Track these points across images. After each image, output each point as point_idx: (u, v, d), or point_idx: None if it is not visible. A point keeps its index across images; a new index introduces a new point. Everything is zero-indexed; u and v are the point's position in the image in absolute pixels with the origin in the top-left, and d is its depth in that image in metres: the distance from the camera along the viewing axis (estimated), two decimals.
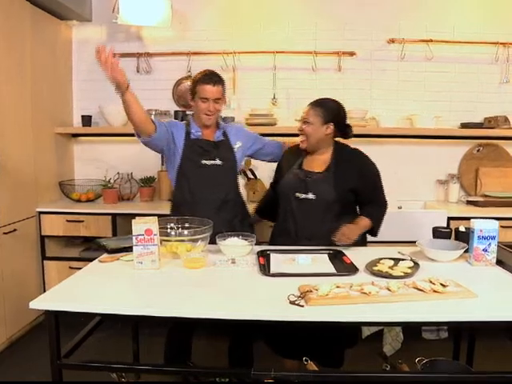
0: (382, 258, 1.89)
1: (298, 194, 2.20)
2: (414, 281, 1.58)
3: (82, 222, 3.38)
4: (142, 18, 3.49)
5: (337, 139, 2.31)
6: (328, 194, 2.16)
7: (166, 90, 3.83)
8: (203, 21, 3.74)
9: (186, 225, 2.08)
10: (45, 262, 3.45)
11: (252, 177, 3.69)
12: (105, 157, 3.92)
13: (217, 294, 1.58)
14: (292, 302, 1.44)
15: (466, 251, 1.97)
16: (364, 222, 2.20)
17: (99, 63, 2.05)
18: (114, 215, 3.38)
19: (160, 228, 1.90)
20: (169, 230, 2.04)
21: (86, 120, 3.77)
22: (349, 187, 2.18)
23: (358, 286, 1.54)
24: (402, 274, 1.70)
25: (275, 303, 1.48)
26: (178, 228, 2.06)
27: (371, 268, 1.78)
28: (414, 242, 3.17)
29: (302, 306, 1.43)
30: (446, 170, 3.81)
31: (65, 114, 3.85)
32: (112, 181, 3.74)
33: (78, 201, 3.64)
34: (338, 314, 1.43)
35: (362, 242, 2.26)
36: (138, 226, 1.74)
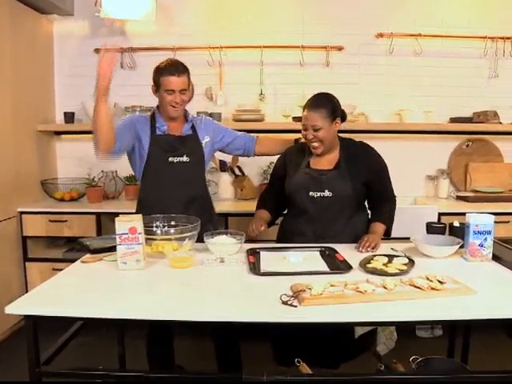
0: (375, 255, 1.83)
1: (312, 193, 2.14)
2: (410, 278, 1.53)
3: (66, 221, 3.28)
4: (125, 12, 3.39)
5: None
6: (344, 190, 2.12)
7: (150, 85, 3.70)
8: (188, 15, 3.66)
9: (173, 223, 2.00)
10: (27, 263, 3.34)
11: (239, 174, 3.62)
12: (88, 155, 3.77)
13: (205, 295, 1.51)
14: (285, 303, 1.37)
15: (461, 247, 1.92)
16: (381, 228, 2.18)
17: (101, 58, 1.92)
18: (98, 214, 3.28)
19: (145, 226, 1.82)
20: (154, 229, 1.96)
21: (69, 117, 3.67)
22: (361, 181, 2.16)
23: (352, 285, 1.48)
24: (398, 271, 1.64)
25: (267, 304, 1.41)
26: (163, 226, 1.98)
27: (365, 265, 1.72)
28: (405, 238, 3.14)
29: (296, 307, 1.37)
30: (435, 165, 3.78)
31: (47, 111, 3.74)
32: (96, 179, 3.64)
33: (61, 200, 3.54)
34: (334, 314, 1.36)
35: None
36: (121, 224, 1.66)
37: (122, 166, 3.67)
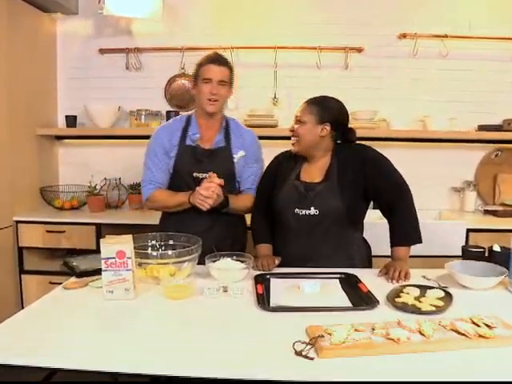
0: (405, 286, 1.57)
1: (297, 211, 1.90)
2: (452, 321, 1.27)
3: (64, 232, 3.07)
4: (129, 10, 3.19)
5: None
6: (333, 206, 1.86)
7: (157, 88, 3.53)
8: (198, 13, 3.44)
9: (171, 242, 1.76)
10: (23, 276, 3.14)
11: None
12: (91, 161, 3.61)
13: (202, 340, 1.25)
14: (299, 353, 1.12)
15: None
16: (406, 252, 1.91)
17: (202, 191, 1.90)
18: (98, 225, 3.07)
19: (139, 246, 1.60)
20: (149, 250, 1.72)
21: (71, 120, 3.47)
22: (358, 193, 1.89)
23: (381, 329, 1.22)
24: (434, 309, 1.39)
25: (276, 353, 1.16)
26: (160, 246, 1.74)
27: (394, 300, 1.47)
28: (429, 256, 2.91)
29: (312, 359, 1.11)
30: (461, 176, 3.52)
31: (48, 114, 3.54)
32: (98, 187, 3.43)
33: (61, 209, 3.34)
34: (360, 370, 1.10)
35: (367, 261, 1.99)
36: (107, 247, 1.43)
37: (126, 173, 3.49)
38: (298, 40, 3.38)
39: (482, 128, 3.36)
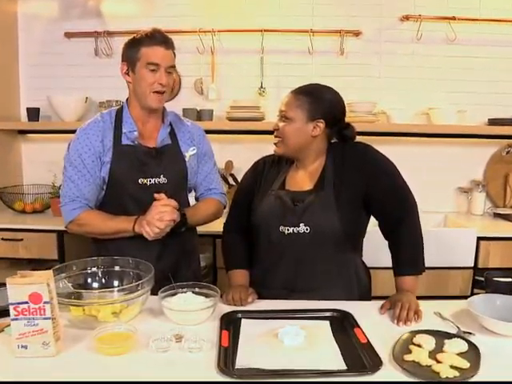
0: (416, 333, 1.21)
1: (282, 228, 1.53)
2: None
3: (21, 240, 2.71)
4: None
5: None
6: (328, 222, 1.51)
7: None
8: None
9: (116, 268, 1.40)
10: None
11: (234, 183, 3.03)
12: (56, 158, 3.22)
13: None
14: None
15: None
16: (414, 282, 1.54)
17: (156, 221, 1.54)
18: (60, 232, 2.70)
19: (75, 275, 1.25)
20: (89, 280, 1.36)
21: (33, 113, 3.09)
22: (355, 203, 1.54)
23: None
24: (457, 375, 1.02)
25: None
26: (103, 275, 1.38)
27: (403, 358, 1.10)
28: (434, 268, 2.57)
29: None
30: (469, 175, 3.21)
31: (9, 106, 3.17)
32: None
33: (22, 212, 2.99)
34: None
35: (367, 291, 1.65)
36: (16, 288, 1.07)
37: None
38: (287, 22, 3.04)
39: (492, 122, 3.07)
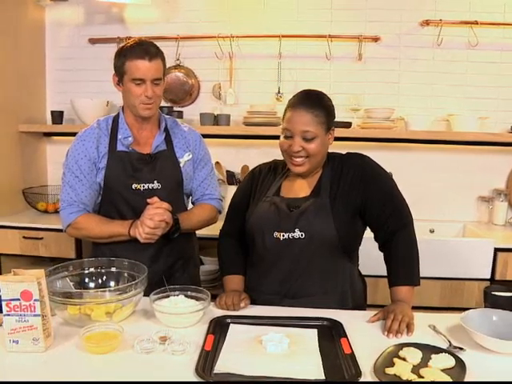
0: (403, 345, 1.20)
1: (277, 234, 1.53)
2: None
3: (41, 239, 2.81)
4: None
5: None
6: (324, 228, 1.50)
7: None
8: None
9: (113, 269, 1.44)
10: None
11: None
12: None
13: None
14: None
15: None
16: (409, 293, 1.51)
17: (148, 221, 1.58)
18: None
19: (75, 274, 1.30)
20: (87, 280, 1.41)
21: (57, 116, 3.20)
22: (351, 210, 1.54)
23: None
24: None
25: None
26: (98, 275, 1.43)
27: (384, 371, 1.08)
28: (449, 279, 2.52)
29: None
30: (490, 184, 3.11)
31: (35, 110, 3.29)
32: None
33: (45, 212, 3.09)
34: None
35: (362, 301, 1.63)
36: (8, 285, 1.12)
37: None
38: (305, 28, 3.03)
39: None
